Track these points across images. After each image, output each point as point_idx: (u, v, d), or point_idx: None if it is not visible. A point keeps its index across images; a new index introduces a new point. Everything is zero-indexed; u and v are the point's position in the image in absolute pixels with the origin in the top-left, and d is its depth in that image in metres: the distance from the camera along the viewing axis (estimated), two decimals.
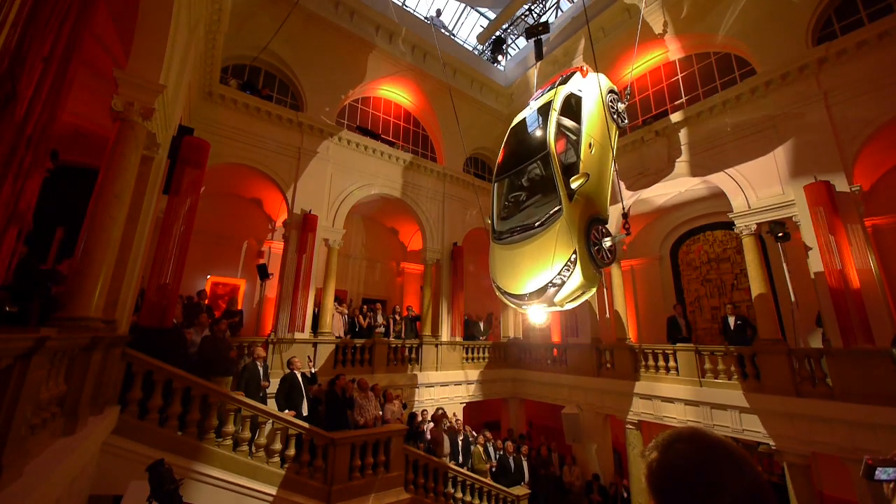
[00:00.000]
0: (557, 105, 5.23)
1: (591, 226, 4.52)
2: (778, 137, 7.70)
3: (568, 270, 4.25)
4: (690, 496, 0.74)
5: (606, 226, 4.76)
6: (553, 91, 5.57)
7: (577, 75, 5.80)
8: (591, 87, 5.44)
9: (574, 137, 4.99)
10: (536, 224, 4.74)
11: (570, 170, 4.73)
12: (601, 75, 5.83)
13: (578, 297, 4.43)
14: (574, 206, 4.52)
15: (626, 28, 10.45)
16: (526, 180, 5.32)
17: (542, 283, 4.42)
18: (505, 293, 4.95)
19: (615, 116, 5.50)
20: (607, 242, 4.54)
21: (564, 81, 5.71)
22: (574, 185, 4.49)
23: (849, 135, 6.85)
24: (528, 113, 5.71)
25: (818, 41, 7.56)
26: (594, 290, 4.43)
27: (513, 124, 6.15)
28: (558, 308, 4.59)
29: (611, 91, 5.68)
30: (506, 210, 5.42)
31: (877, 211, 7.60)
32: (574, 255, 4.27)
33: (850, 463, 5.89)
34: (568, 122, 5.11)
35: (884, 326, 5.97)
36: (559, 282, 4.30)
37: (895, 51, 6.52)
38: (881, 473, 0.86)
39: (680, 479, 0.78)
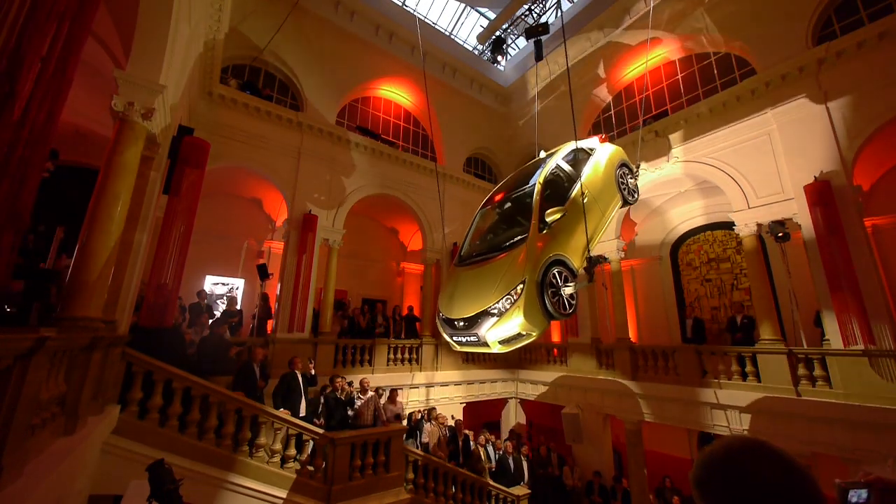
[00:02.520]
0: (564, 151, 5.07)
1: (553, 265, 3.96)
2: (778, 137, 7.69)
3: (509, 301, 3.71)
4: (721, 483, 0.78)
5: (575, 277, 4.12)
6: (564, 144, 5.43)
7: (595, 139, 5.65)
8: (604, 152, 5.19)
9: (568, 184, 4.67)
10: (499, 248, 4.34)
11: (552, 204, 4.30)
12: (619, 148, 5.62)
13: (514, 340, 3.80)
14: (541, 237, 4.07)
15: (627, 28, 10.45)
16: (508, 210, 4.99)
17: (480, 309, 3.86)
18: (442, 318, 4.36)
19: (624, 191, 5.15)
20: (567, 290, 3.96)
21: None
22: (549, 219, 4.08)
23: (849, 135, 6.84)
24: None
25: (818, 41, 7.55)
26: (534, 337, 3.80)
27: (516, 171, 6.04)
28: (487, 349, 3.97)
29: (623, 164, 5.31)
30: (479, 236, 5.06)
31: (877, 211, 7.60)
32: (521, 286, 3.72)
33: (850, 463, 5.88)
34: (567, 168, 4.86)
35: (884, 326, 5.97)
36: (496, 311, 3.74)
37: (895, 51, 6.52)
38: (853, 496, 0.87)
39: (714, 467, 0.81)
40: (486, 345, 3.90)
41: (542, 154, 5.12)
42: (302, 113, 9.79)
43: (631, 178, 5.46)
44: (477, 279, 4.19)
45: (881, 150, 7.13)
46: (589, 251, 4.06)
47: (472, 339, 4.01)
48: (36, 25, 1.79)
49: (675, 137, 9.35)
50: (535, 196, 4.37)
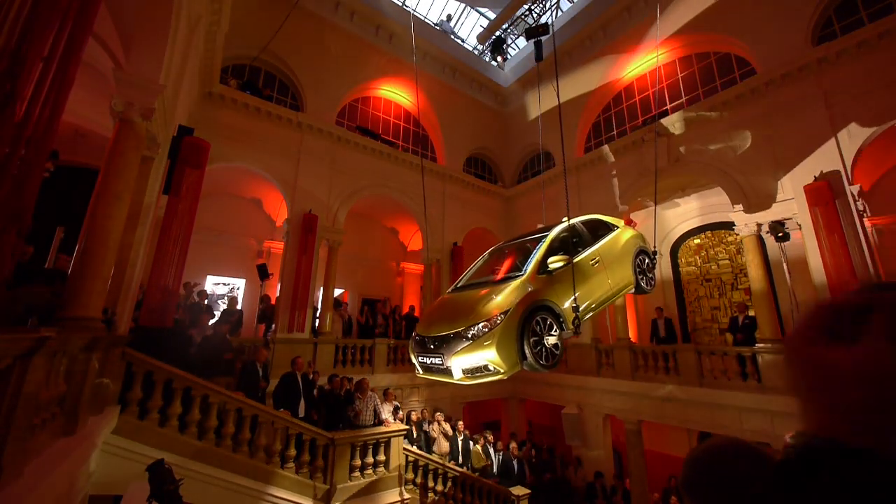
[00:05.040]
0: (586, 217, 5.08)
1: (541, 309, 3.75)
2: (778, 137, 7.70)
3: (486, 328, 3.50)
4: (711, 484, 0.80)
5: (562, 329, 3.86)
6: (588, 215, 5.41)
7: (621, 220, 5.65)
8: (625, 233, 5.15)
9: (581, 247, 4.56)
10: (493, 282, 4.19)
11: (557, 253, 4.16)
12: (641, 233, 5.48)
13: (478, 373, 3.55)
14: (538, 279, 3.93)
15: (627, 28, 10.47)
16: (515, 253, 4.88)
17: (455, 329, 3.65)
18: (416, 338, 4.14)
19: (640, 277, 4.95)
20: (551, 339, 3.70)
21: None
22: (551, 266, 3.91)
23: (849, 135, 6.85)
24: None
25: (818, 41, 7.56)
26: (500, 375, 3.52)
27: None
28: (450, 378, 3.69)
29: (643, 251, 5.17)
30: (479, 273, 4.94)
31: (877, 211, 7.60)
32: (502, 316, 3.54)
33: None
34: (585, 232, 4.79)
35: None
36: (470, 335, 3.53)
37: (895, 51, 6.52)
38: None
39: (702, 469, 0.84)
40: (449, 372, 3.65)
41: (565, 219, 5.07)
42: (302, 113, 9.79)
43: (650, 262, 5.23)
44: (461, 301, 4.05)
45: (881, 150, 7.13)
46: (578, 310, 3.79)
47: (438, 362, 3.73)
48: (38, 25, 1.79)
49: (675, 137, 9.35)
50: (545, 243, 4.29)
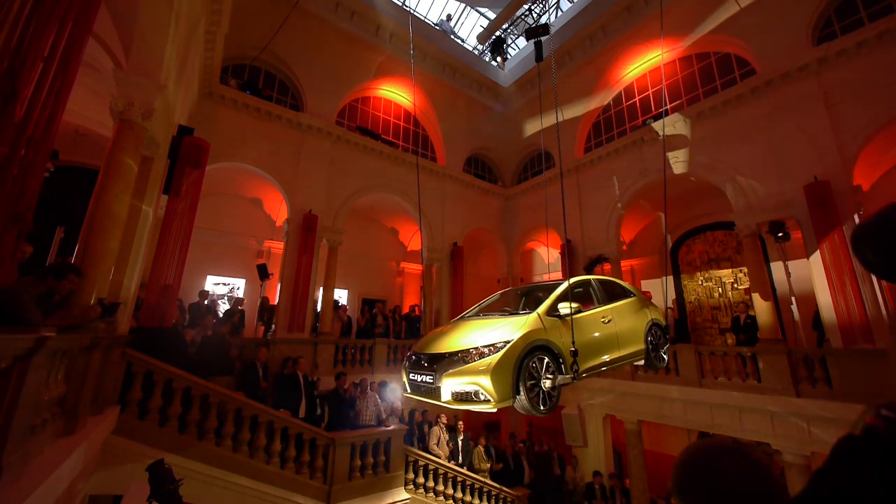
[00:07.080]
0: (604, 277, 5.11)
1: (542, 348, 3.67)
2: (778, 137, 7.70)
3: (485, 353, 3.44)
4: (705, 487, 0.80)
5: (560, 373, 3.77)
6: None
7: (638, 291, 5.61)
8: (641, 303, 5.16)
9: (596, 304, 4.54)
10: (500, 314, 4.19)
11: (569, 299, 4.09)
12: (657, 307, 5.45)
13: (467, 399, 3.43)
14: (545, 319, 3.87)
15: (627, 28, 10.46)
16: (527, 296, 5.02)
17: (453, 349, 3.59)
18: (410, 357, 4.05)
19: (651, 349, 4.87)
20: (547, 383, 3.61)
21: None
22: (561, 310, 3.89)
23: (849, 135, 6.85)
24: None
25: (818, 41, 7.56)
26: (489, 406, 3.38)
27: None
28: (437, 400, 3.59)
29: (656, 324, 5.12)
30: (488, 308, 4.94)
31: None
32: (502, 345, 3.46)
33: None
34: (601, 289, 4.79)
35: (883, 326, 5.97)
36: (468, 357, 3.48)
37: (895, 51, 6.53)
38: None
39: (695, 472, 0.84)
40: (437, 393, 3.56)
41: (584, 276, 5.07)
42: (302, 113, 9.79)
43: (663, 338, 5.13)
44: (463, 326, 4.05)
45: (881, 150, 7.14)
46: (576, 354, 3.70)
47: (428, 380, 3.65)
48: (38, 26, 1.79)
49: (675, 137, 9.35)
50: (561, 288, 4.27)
